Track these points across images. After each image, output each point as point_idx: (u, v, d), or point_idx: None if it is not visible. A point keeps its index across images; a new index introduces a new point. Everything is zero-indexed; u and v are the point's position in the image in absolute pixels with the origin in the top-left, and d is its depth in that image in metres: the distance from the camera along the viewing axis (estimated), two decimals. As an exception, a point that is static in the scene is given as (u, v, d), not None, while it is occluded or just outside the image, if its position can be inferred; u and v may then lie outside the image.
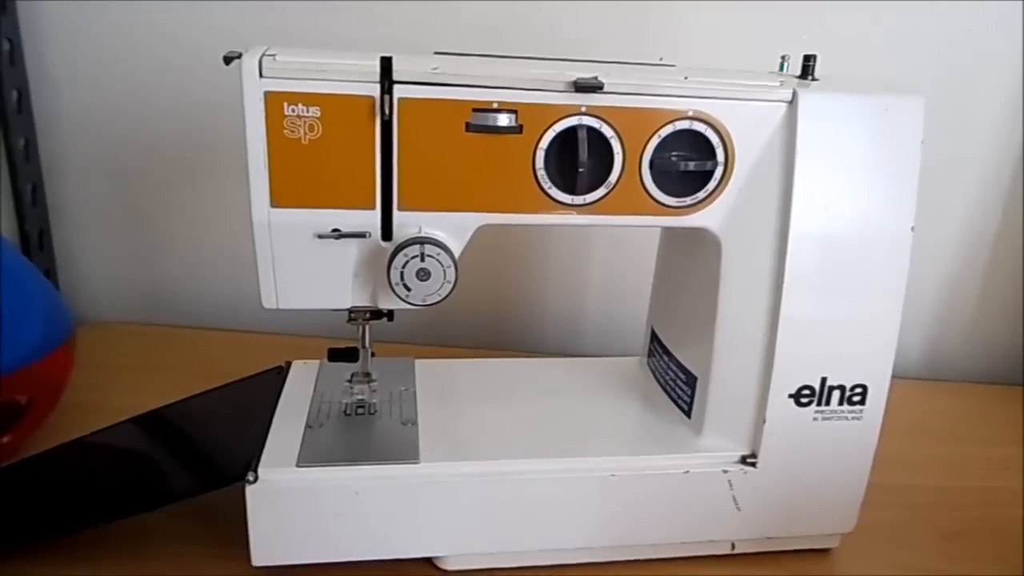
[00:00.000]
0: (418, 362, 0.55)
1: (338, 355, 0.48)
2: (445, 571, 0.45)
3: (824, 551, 0.49)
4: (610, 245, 0.75)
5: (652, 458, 0.45)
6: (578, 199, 0.41)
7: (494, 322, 0.79)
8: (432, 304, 0.40)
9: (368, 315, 0.45)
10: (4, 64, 0.68)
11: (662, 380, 0.52)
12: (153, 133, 0.73)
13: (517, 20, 0.69)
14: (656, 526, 0.45)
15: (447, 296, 0.40)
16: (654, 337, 0.54)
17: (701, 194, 0.42)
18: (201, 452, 0.49)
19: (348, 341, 0.48)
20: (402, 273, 0.39)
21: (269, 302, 0.41)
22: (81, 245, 0.78)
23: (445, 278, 0.40)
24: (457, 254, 0.40)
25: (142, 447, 0.51)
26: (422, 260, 0.39)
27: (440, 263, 0.39)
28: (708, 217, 0.43)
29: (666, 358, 0.51)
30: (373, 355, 0.48)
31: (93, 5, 0.69)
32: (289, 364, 0.53)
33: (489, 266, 0.77)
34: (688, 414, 0.48)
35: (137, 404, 0.52)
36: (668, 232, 0.53)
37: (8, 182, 0.72)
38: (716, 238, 0.43)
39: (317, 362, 0.53)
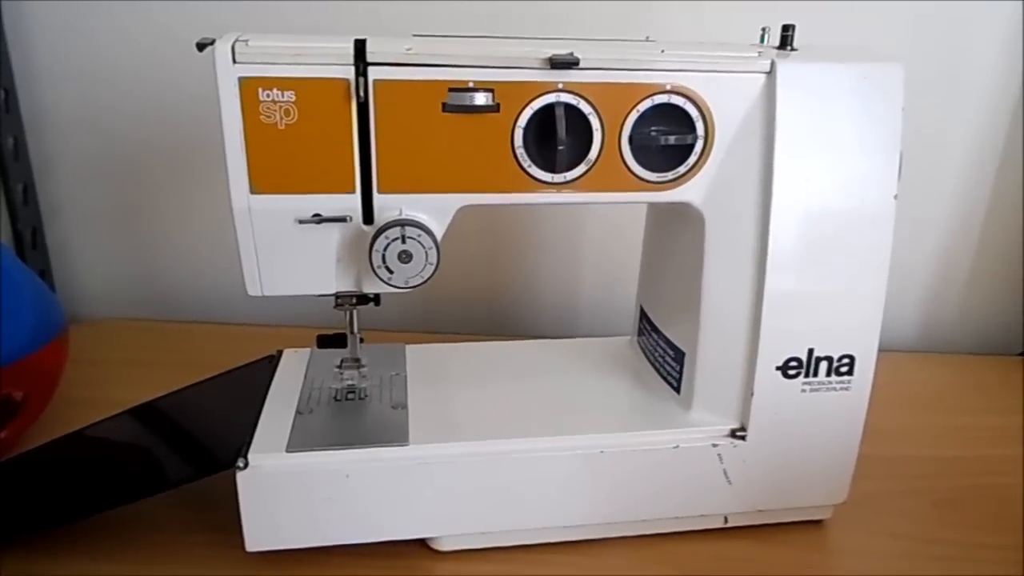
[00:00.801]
0: (409, 347, 0.55)
1: (327, 341, 0.48)
2: (439, 552, 0.45)
3: (817, 522, 0.49)
4: (602, 225, 0.75)
5: (641, 434, 0.45)
6: (558, 177, 0.41)
7: (488, 308, 0.79)
8: (415, 286, 0.41)
9: (354, 300, 0.45)
10: (-11, 63, 0.68)
11: (651, 358, 0.52)
12: (143, 128, 0.73)
13: (506, 10, 0.68)
14: (648, 501, 0.46)
15: (430, 278, 0.40)
16: (643, 315, 0.54)
17: (682, 168, 0.42)
18: (194, 441, 0.49)
19: (341, 329, 0.48)
20: (384, 256, 0.39)
21: (253, 289, 0.42)
22: (75, 243, 0.78)
23: (427, 260, 0.40)
24: (439, 236, 0.40)
25: (137, 438, 0.51)
26: (403, 242, 0.39)
27: (422, 245, 0.39)
28: (690, 191, 0.43)
29: (655, 335, 0.51)
30: (362, 341, 0.48)
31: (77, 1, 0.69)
32: (280, 353, 0.54)
33: (481, 251, 0.77)
34: (677, 390, 0.48)
35: (132, 397, 0.52)
36: (653, 208, 0.53)
37: (-1, 182, 0.72)
38: (699, 212, 0.43)
39: (308, 350, 0.54)
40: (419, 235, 0.39)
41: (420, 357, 0.53)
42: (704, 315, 0.45)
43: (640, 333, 0.55)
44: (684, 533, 0.48)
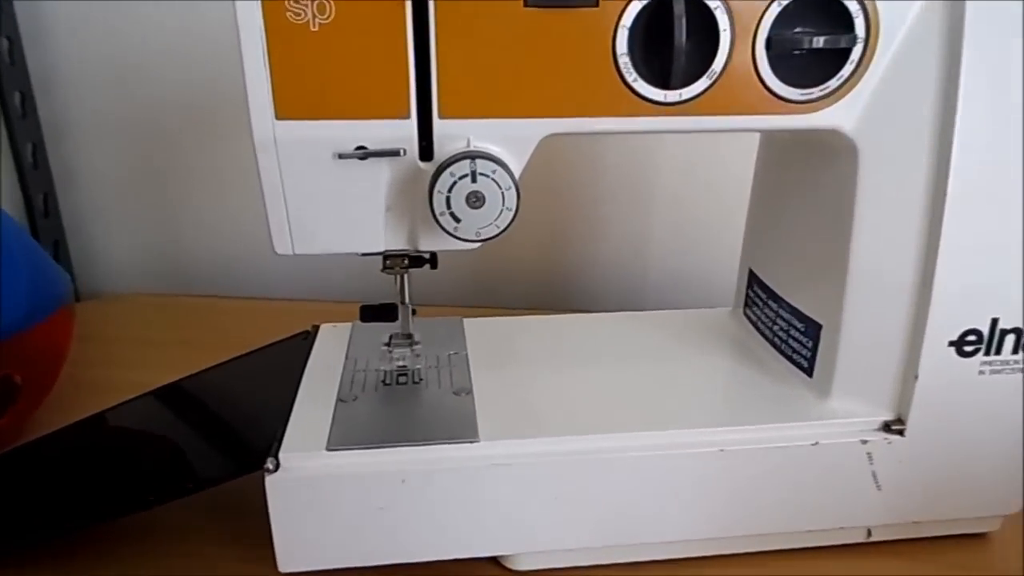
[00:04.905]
0: (467, 321, 0.46)
1: (372, 314, 0.39)
2: (515, 572, 0.37)
3: (980, 536, 0.40)
4: (678, 173, 0.65)
5: (770, 428, 0.36)
6: (672, 95, 0.31)
7: (543, 277, 0.71)
8: (488, 239, 0.32)
9: (406, 261, 0.36)
10: (-11, 8, 0.61)
11: (768, 332, 0.42)
12: (164, 84, 0.66)
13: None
14: (775, 512, 0.36)
15: (506, 228, 0.31)
16: (754, 281, 0.44)
17: (833, 82, 0.32)
18: (214, 437, 0.41)
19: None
20: (448, 199, 0.30)
21: (282, 246, 0.33)
22: (90, 210, 0.72)
23: (504, 204, 0.31)
24: (517, 173, 0.31)
25: (155, 429, 0.43)
26: (473, 181, 0.30)
27: (497, 184, 0.30)
28: (841, 114, 0.33)
29: (774, 305, 0.41)
30: (415, 313, 0.40)
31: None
32: (316, 328, 0.45)
33: (538, 211, 0.67)
34: (809, 372, 0.38)
35: (151, 380, 0.45)
36: (773, 143, 0.43)
37: (6, 142, 0.65)
38: (851, 143, 0.33)
39: (349, 325, 0.45)
40: (494, 171, 0.30)
41: (482, 333, 0.45)
42: (853, 277, 0.35)
43: (748, 303, 0.45)
44: (814, 549, 0.38)
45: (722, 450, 0.35)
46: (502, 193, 0.30)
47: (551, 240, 0.69)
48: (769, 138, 0.42)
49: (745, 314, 0.45)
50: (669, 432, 0.35)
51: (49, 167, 0.69)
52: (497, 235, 0.31)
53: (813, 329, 0.38)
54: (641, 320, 0.47)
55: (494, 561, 0.37)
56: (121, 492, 0.38)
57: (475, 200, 0.30)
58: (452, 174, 0.30)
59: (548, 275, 0.71)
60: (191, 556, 0.38)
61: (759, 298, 0.43)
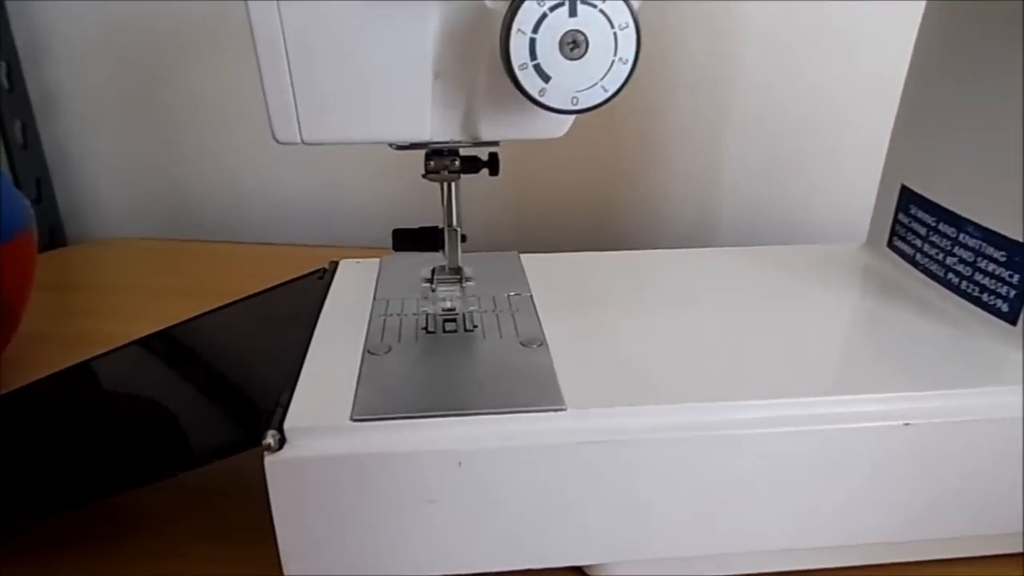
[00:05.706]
0: (526, 257, 0.36)
1: (408, 240, 0.30)
2: (603, 584, 0.27)
3: None
4: (767, 76, 0.54)
5: (972, 394, 0.25)
6: None
7: (591, 211, 0.61)
8: (587, 110, 0.21)
9: (457, 163, 0.26)
10: None
11: (937, 268, 0.32)
12: None
13: None
14: (968, 509, 0.26)
15: (618, 91, 0.21)
16: (910, 201, 0.34)
17: None
18: (207, 399, 0.32)
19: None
20: (533, 44, 0.20)
21: (285, 132, 0.23)
22: (76, 143, 0.63)
23: (617, 52, 0.20)
24: (636, 6, 0.21)
25: (133, 387, 0.35)
26: (572, 14, 0.20)
27: (608, 19, 0.20)
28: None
29: (949, 229, 0.31)
30: (464, 239, 0.30)
31: None
32: (335, 265, 0.36)
33: (590, 135, 0.57)
34: (1011, 317, 0.28)
35: (141, 332, 0.37)
36: (950, 9, 0.32)
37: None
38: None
39: (376, 261, 0.36)
40: (603, 2, 0.20)
41: (546, 270, 0.35)
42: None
43: (899, 234, 0.34)
44: (1004, 558, 0.28)
45: (907, 424, 0.25)
46: (614, 34, 0.20)
47: (602, 166, 0.59)
48: (944, 7, 0.31)
49: (893, 247, 0.35)
50: (829, 399, 0.25)
51: (27, 90, 0.60)
52: (602, 104, 0.21)
53: (1021, 258, 0.27)
54: (745, 257, 0.37)
55: (577, 571, 0.27)
56: (91, 470, 0.29)
57: (573, 45, 0.20)
58: (540, 2, 0.20)
59: (597, 209, 0.61)
60: (174, 556, 0.29)
61: (920, 223, 0.33)
